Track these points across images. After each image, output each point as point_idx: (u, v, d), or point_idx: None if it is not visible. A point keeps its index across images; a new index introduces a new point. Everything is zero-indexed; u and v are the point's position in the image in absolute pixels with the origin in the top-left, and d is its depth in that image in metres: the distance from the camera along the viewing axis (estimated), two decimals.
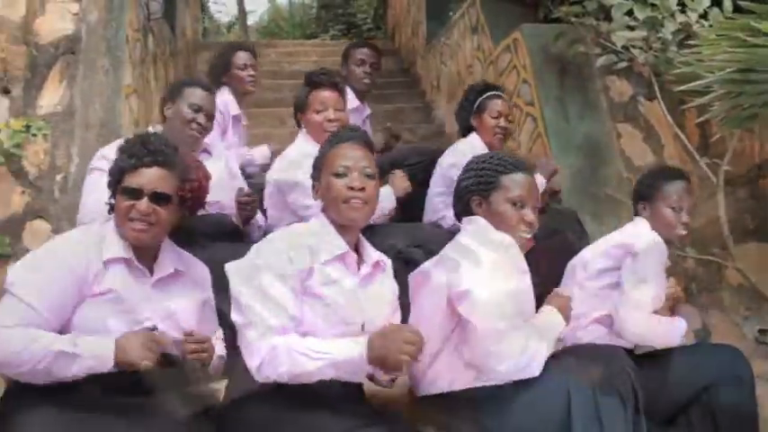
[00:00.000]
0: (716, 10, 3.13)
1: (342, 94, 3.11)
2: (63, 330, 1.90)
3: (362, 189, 2.01)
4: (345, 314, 1.95)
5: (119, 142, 2.21)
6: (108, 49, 3.61)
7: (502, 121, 3.28)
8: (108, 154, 2.50)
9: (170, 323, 2.02)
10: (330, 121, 2.98)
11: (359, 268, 2.05)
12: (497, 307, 1.99)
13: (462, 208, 2.27)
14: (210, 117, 2.95)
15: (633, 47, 3.38)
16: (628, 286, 2.41)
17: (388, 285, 2.15)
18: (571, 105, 3.86)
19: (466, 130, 3.39)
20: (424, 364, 2.09)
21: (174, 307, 2.05)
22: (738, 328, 3.14)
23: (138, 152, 2.03)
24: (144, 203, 1.98)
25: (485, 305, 1.98)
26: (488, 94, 3.32)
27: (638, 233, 2.52)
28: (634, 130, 3.79)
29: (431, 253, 2.65)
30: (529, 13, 4.40)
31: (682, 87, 2.73)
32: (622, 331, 2.40)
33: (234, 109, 3.79)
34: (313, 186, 2.13)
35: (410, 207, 3.27)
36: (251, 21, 13.01)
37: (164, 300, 2.05)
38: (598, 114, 3.85)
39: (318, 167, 2.11)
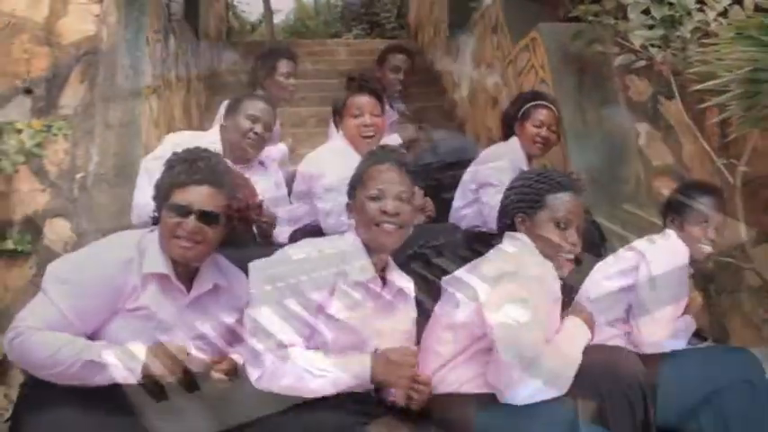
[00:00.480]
0: (736, 8, 3.08)
1: (380, 99, 3.11)
2: (91, 338, 1.89)
3: (397, 214, 2.00)
4: (358, 340, 1.96)
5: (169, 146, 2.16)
6: (128, 49, 3.65)
7: (543, 131, 3.28)
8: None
9: (201, 343, 2.01)
10: (366, 126, 3.00)
11: (381, 294, 2.04)
12: (525, 340, 1.95)
13: (506, 223, 2.24)
14: (269, 128, 2.91)
15: (652, 45, 3.33)
16: (645, 301, 2.41)
17: (406, 314, 2.14)
18: (589, 105, 3.83)
19: (507, 135, 3.39)
20: (435, 365, 2.08)
21: (206, 327, 2.02)
22: (758, 330, 3.08)
23: (189, 169, 1.99)
24: (191, 222, 1.95)
25: (514, 338, 1.94)
26: (535, 102, 3.32)
27: (664, 245, 2.52)
28: (653, 129, 3.73)
29: (443, 254, 2.67)
30: (548, 12, 4.37)
31: (698, 87, 2.69)
32: (639, 345, 2.40)
33: None
34: (347, 205, 2.12)
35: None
36: (277, 19, 13.05)
37: (197, 319, 2.02)
38: (616, 114, 3.80)
39: (354, 186, 2.10)
